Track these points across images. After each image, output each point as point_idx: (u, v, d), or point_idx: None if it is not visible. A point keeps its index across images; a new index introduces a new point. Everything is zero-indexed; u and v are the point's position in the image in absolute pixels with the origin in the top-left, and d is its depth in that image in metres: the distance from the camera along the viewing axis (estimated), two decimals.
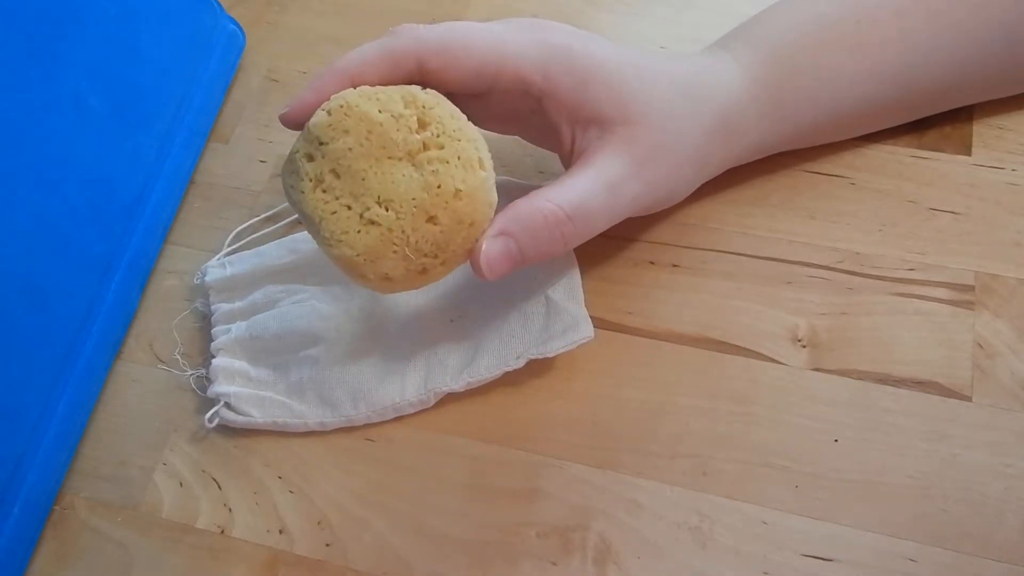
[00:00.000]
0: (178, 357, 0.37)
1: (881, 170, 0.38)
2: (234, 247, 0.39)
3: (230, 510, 0.34)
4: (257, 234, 0.39)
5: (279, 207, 0.40)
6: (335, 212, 0.29)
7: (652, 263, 0.37)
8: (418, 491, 0.33)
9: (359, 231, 0.29)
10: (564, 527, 0.32)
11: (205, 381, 0.36)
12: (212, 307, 0.37)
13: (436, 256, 0.29)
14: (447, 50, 0.30)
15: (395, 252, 0.29)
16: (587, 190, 0.31)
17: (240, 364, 0.35)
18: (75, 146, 0.35)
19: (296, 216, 0.39)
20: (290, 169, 0.30)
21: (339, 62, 0.30)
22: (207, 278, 0.37)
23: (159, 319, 0.39)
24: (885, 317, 0.35)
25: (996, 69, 0.35)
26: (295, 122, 0.31)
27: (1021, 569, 0.30)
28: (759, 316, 0.35)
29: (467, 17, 0.45)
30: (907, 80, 0.35)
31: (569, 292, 0.34)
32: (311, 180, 0.29)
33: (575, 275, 0.35)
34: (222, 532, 0.34)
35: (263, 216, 0.40)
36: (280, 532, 0.33)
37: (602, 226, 0.32)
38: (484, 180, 0.29)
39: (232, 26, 0.45)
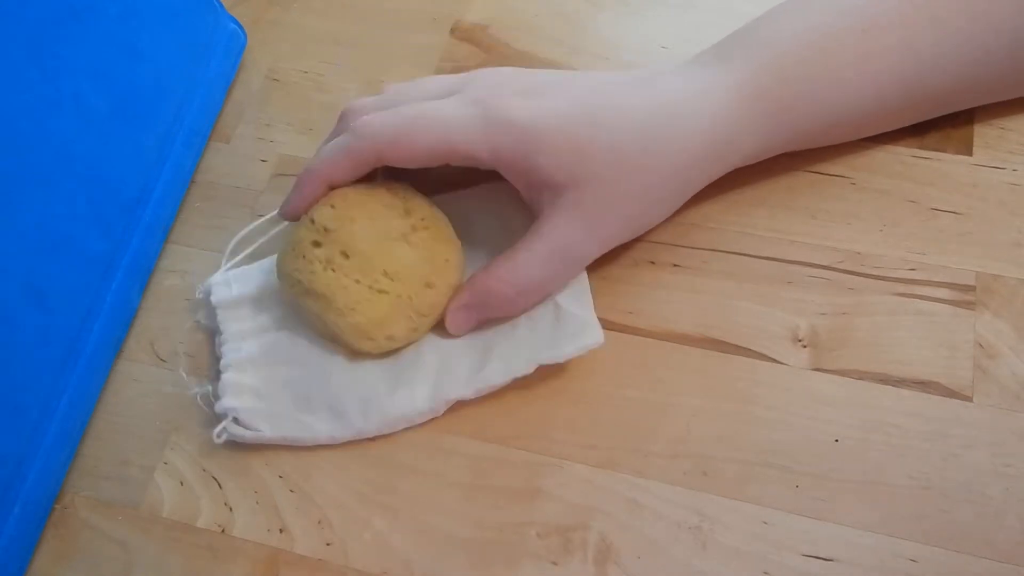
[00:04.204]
0: (182, 363, 0.37)
1: (882, 170, 0.38)
2: (235, 260, 0.38)
3: (231, 509, 0.34)
4: (260, 241, 0.38)
5: (274, 212, 0.39)
6: (346, 287, 0.33)
7: (653, 263, 0.37)
8: (418, 491, 0.33)
9: (370, 300, 0.33)
10: (564, 527, 0.32)
11: (212, 397, 0.36)
12: (221, 326, 0.36)
13: (427, 316, 0.34)
14: (399, 143, 0.33)
15: (401, 314, 0.33)
16: (536, 266, 0.33)
17: (249, 380, 0.35)
18: (76, 145, 0.35)
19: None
20: (294, 256, 0.34)
21: (314, 166, 0.34)
22: (213, 297, 0.37)
23: (160, 318, 0.39)
24: (886, 317, 0.34)
25: (999, 75, 0.35)
26: (292, 218, 0.35)
27: (1022, 570, 0.30)
28: (760, 316, 0.35)
29: (467, 15, 0.45)
30: (910, 88, 0.35)
31: (578, 298, 0.34)
32: (321, 263, 0.33)
33: (583, 281, 0.35)
34: (223, 531, 0.34)
35: (264, 218, 0.38)
36: (281, 531, 0.33)
37: (560, 286, 0.35)
38: (460, 251, 0.35)
39: (233, 25, 0.45)
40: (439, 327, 0.35)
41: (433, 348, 0.35)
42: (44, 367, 0.34)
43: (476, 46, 0.44)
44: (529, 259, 0.33)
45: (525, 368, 0.33)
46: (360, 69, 0.45)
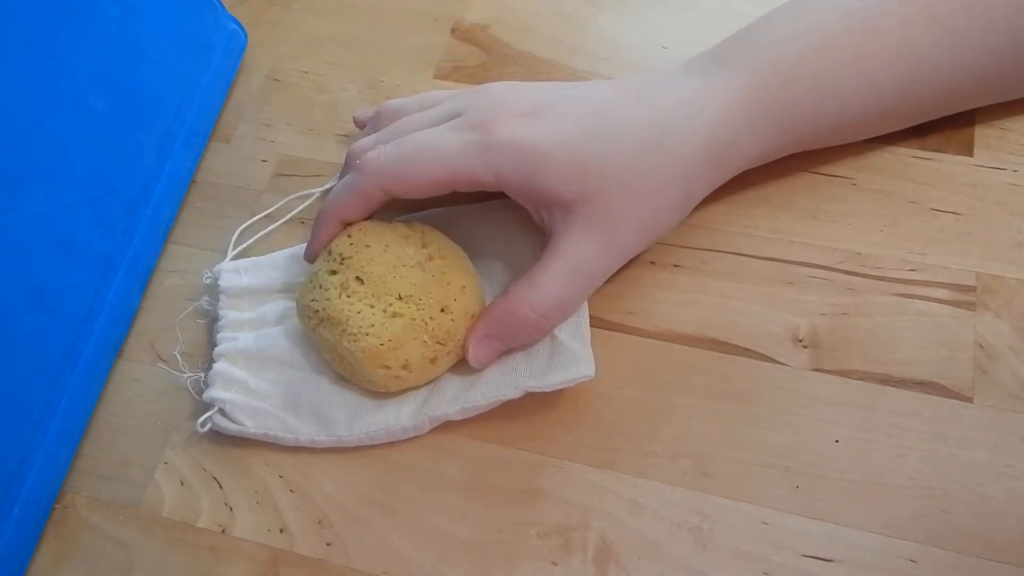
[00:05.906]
0: (177, 356, 0.37)
1: (883, 171, 0.38)
2: (239, 249, 0.38)
3: (231, 509, 0.34)
4: (260, 233, 0.39)
5: (278, 204, 0.40)
6: (360, 311, 0.33)
7: (653, 263, 0.37)
8: (418, 491, 0.33)
9: (383, 323, 0.32)
10: (564, 527, 0.32)
11: (202, 384, 0.36)
12: (220, 313, 0.37)
13: (445, 344, 0.33)
14: (403, 175, 0.33)
15: (415, 339, 0.33)
16: (558, 285, 0.33)
17: (240, 373, 0.35)
18: (76, 145, 0.35)
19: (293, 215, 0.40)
20: (311, 287, 0.34)
21: (327, 207, 0.35)
22: (221, 283, 0.37)
23: (160, 318, 0.39)
24: (886, 317, 0.35)
25: (998, 75, 0.35)
26: (313, 259, 0.36)
27: (1022, 570, 0.30)
28: (760, 316, 0.35)
29: (468, 15, 0.45)
30: (910, 89, 0.35)
31: (575, 330, 0.34)
32: (336, 288, 0.33)
33: (583, 314, 0.34)
34: (223, 531, 0.34)
35: (261, 215, 0.40)
36: (281, 531, 0.33)
37: (580, 303, 0.34)
38: (479, 282, 0.35)
39: (233, 25, 0.45)
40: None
41: None
42: (44, 367, 0.34)
43: (476, 46, 0.44)
44: (550, 279, 0.33)
45: (513, 392, 0.33)
46: (360, 69, 0.45)
